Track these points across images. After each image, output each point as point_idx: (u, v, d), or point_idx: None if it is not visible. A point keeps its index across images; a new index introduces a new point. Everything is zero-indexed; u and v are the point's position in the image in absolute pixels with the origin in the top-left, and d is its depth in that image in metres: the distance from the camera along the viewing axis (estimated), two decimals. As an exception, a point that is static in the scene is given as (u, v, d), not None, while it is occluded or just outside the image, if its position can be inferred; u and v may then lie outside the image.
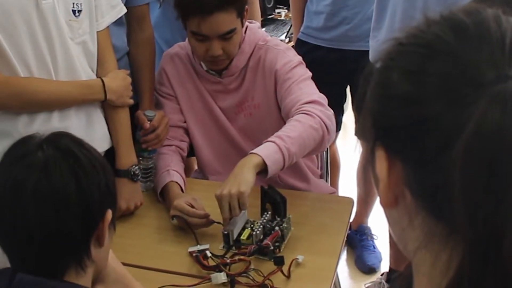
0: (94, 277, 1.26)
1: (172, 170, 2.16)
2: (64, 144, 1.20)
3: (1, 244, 1.19)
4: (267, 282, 1.71)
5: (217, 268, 1.75)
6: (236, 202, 1.78)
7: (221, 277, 1.71)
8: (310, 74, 2.21)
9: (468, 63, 0.58)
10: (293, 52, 2.27)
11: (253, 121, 2.28)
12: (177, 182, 2.12)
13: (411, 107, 0.59)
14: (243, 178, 1.80)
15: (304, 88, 2.13)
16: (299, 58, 2.24)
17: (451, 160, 0.55)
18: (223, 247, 1.87)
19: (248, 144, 2.29)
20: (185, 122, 2.32)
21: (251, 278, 1.73)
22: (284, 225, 1.88)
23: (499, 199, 0.53)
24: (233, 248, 1.85)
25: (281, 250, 1.85)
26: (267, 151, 1.87)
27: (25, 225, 1.14)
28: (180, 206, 1.94)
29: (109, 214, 1.23)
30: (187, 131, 2.34)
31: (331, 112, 2.08)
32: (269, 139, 1.92)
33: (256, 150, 1.88)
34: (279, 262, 1.74)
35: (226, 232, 1.83)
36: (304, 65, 2.23)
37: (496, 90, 0.55)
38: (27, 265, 1.17)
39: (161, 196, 2.14)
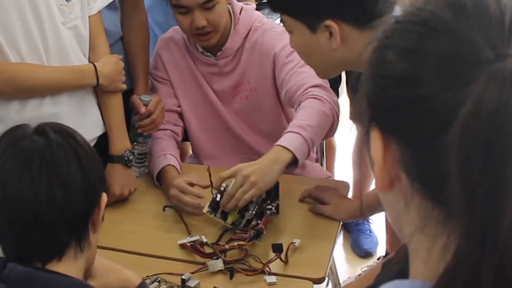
0: (86, 267, 1.27)
1: (168, 154, 2.15)
2: (61, 127, 1.24)
3: None
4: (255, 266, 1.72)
5: (214, 255, 1.73)
6: (249, 189, 1.76)
7: (218, 264, 1.70)
8: None
9: (466, 41, 0.57)
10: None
11: (250, 105, 2.27)
12: (174, 166, 2.11)
13: (407, 86, 0.58)
14: (269, 177, 1.79)
15: (307, 71, 2.06)
16: None
17: (448, 140, 0.53)
18: (208, 212, 1.86)
19: (243, 128, 2.28)
20: (179, 106, 2.31)
21: (247, 264, 1.72)
22: (271, 208, 1.86)
23: (496, 180, 0.52)
24: (227, 231, 1.84)
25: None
26: (295, 144, 1.83)
27: (32, 201, 1.14)
28: (182, 186, 1.94)
29: (105, 196, 1.25)
30: (181, 116, 2.32)
31: (336, 97, 2.08)
32: (293, 129, 1.87)
33: (286, 144, 1.82)
34: (278, 249, 1.73)
35: (215, 196, 1.84)
36: None
37: (495, 68, 0.54)
38: (24, 249, 1.17)
39: (158, 180, 2.13)
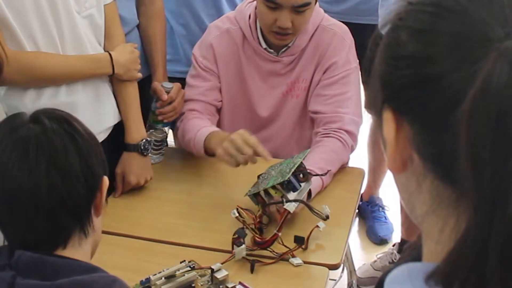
0: (93, 249, 1.27)
1: (211, 127, 2.14)
2: (57, 114, 1.23)
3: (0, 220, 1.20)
4: (278, 251, 1.73)
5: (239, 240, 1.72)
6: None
7: (242, 251, 1.70)
8: (358, 85, 2.23)
9: (477, 21, 0.57)
10: (354, 53, 2.23)
11: (296, 105, 2.25)
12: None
13: (419, 66, 0.59)
14: None
15: (350, 106, 2.17)
16: (357, 62, 2.22)
17: (458, 117, 0.54)
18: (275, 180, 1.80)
19: (270, 135, 2.29)
20: (220, 101, 2.28)
21: (271, 251, 1.74)
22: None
23: (505, 156, 0.52)
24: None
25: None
26: (316, 185, 1.97)
27: (32, 190, 1.14)
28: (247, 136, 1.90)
29: (106, 180, 1.24)
30: (218, 111, 2.30)
31: (356, 144, 2.19)
32: (318, 172, 1.94)
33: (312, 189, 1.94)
34: (300, 241, 1.76)
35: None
36: (358, 71, 2.22)
37: (504, 46, 0.54)
38: (28, 237, 1.17)
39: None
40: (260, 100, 2.26)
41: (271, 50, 2.20)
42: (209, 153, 2.07)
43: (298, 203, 1.76)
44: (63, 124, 1.20)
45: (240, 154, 1.87)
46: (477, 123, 0.52)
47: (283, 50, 2.19)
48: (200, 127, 2.12)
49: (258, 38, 2.19)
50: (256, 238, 1.75)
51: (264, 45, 2.19)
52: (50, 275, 1.12)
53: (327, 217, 1.78)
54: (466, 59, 0.55)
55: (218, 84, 2.26)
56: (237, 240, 1.71)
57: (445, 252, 0.56)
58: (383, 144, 0.66)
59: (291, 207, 1.74)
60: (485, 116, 0.52)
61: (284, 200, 1.75)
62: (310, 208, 1.78)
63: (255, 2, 2.13)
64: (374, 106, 0.66)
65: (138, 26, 2.28)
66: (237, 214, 1.75)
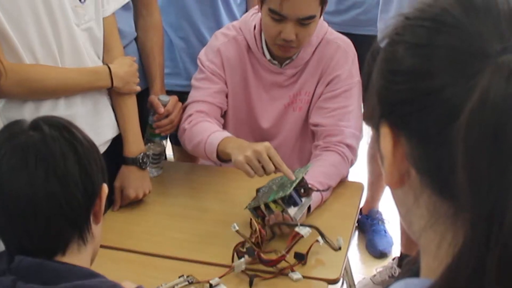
0: (92, 257, 1.27)
1: (225, 132, 2.09)
2: (56, 121, 1.23)
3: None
4: (278, 266, 1.71)
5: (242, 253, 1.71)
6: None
7: (242, 265, 1.68)
8: (360, 99, 2.22)
9: (474, 35, 0.57)
10: (357, 66, 2.22)
11: (299, 118, 2.25)
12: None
13: (416, 80, 0.59)
14: None
15: (352, 120, 2.16)
16: (359, 76, 2.22)
17: (455, 131, 0.54)
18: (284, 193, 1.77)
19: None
20: (226, 106, 2.26)
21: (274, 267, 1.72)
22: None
23: (502, 170, 0.51)
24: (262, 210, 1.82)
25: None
26: (315, 200, 1.97)
27: (31, 197, 1.14)
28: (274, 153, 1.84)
29: (105, 188, 1.24)
30: (223, 116, 2.28)
31: (356, 158, 2.19)
32: (319, 187, 1.93)
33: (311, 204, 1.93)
34: (300, 258, 1.74)
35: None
36: (360, 85, 2.21)
37: (501, 60, 0.54)
38: (26, 244, 1.17)
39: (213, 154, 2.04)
40: (262, 111, 2.26)
41: (275, 62, 2.20)
42: (221, 157, 2.02)
43: (310, 228, 1.75)
44: (62, 131, 1.20)
45: (262, 169, 1.82)
46: (475, 137, 0.52)
47: (286, 62, 2.19)
48: (213, 130, 2.08)
49: (262, 49, 2.19)
50: (262, 256, 1.73)
51: (268, 57, 2.19)
52: (51, 280, 1.13)
53: (340, 248, 1.78)
54: (463, 74, 0.55)
55: (225, 88, 2.25)
56: (239, 250, 1.71)
57: (443, 267, 0.55)
58: (380, 158, 0.66)
59: (304, 232, 1.73)
60: (483, 130, 0.52)
61: (298, 224, 1.76)
62: (323, 236, 1.77)
63: (260, 13, 2.13)
64: (371, 121, 0.66)
65: (136, 39, 2.29)
66: (237, 228, 1.73)
